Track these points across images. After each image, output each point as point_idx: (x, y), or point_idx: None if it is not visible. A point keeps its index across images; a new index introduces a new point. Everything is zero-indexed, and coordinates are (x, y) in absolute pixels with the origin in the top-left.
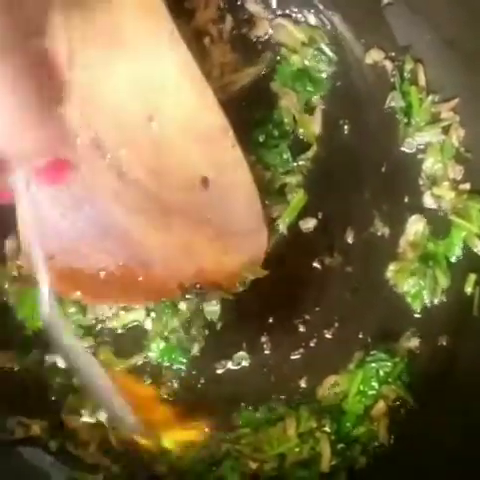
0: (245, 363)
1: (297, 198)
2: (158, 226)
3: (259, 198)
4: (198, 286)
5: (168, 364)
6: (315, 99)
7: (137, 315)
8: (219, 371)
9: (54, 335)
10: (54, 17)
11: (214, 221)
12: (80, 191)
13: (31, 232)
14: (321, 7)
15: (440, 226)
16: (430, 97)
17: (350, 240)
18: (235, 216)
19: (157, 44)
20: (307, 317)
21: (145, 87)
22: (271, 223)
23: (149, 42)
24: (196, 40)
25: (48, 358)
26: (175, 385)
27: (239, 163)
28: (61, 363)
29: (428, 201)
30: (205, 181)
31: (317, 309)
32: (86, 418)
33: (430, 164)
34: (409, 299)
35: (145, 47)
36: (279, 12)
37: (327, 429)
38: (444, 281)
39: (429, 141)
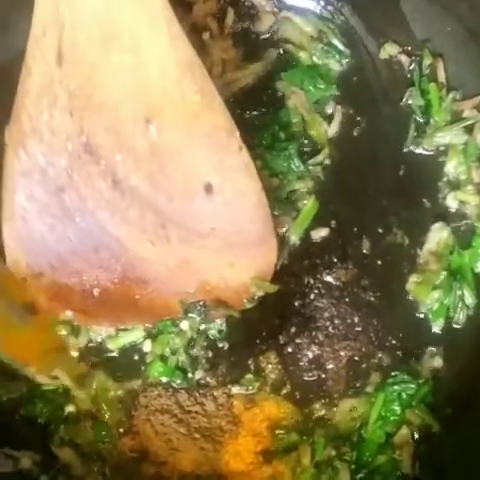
0: (254, 387)
1: (308, 206)
2: (155, 238)
3: (268, 206)
4: (201, 303)
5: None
6: (326, 98)
7: (134, 336)
8: (225, 396)
9: None
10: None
11: (218, 231)
12: (71, 201)
13: None
14: None
15: (464, 234)
16: (451, 94)
17: (366, 250)
18: (242, 226)
19: (156, 37)
20: (320, 335)
21: (142, 85)
22: (281, 233)
23: (147, 34)
24: (194, 35)
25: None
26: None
27: (246, 167)
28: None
29: (451, 207)
30: (209, 187)
31: (331, 327)
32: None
33: (452, 167)
34: (431, 315)
35: (142, 40)
36: (284, 4)
37: (346, 458)
38: (471, 296)
39: (450, 142)
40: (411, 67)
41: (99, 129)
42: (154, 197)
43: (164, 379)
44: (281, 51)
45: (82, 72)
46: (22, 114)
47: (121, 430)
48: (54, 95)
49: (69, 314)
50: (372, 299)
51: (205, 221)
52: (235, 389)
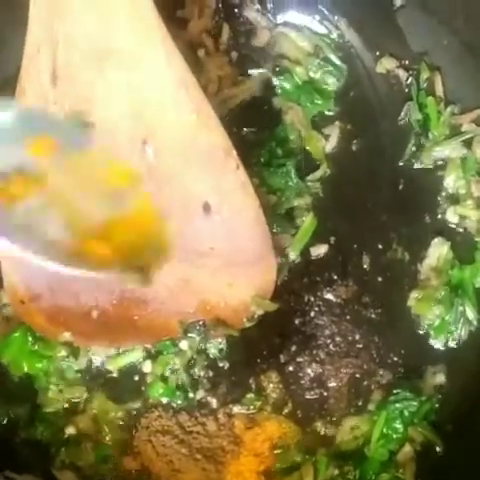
0: (255, 406)
1: (307, 223)
2: None
3: (267, 224)
4: (201, 323)
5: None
6: (323, 113)
7: (134, 357)
8: (227, 416)
9: None
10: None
11: (217, 251)
12: None
13: None
14: (326, 12)
15: (465, 249)
16: (449, 108)
17: (366, 267)
18: (241, 245)
19: (150, 55)
20: (321, 353)
21: (138, 105)
22: (280, 251)
23: (141, 52)
24: (190, 52)
25: (36, 406)
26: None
27: (244, 186)
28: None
29: (451, 222)
30: (207, 207)
31: (332, 345)
32: None
33: (451, 181)
34: (433, 331)
35: (137, 58)
36: (280, 20)
37: (349, 477)
38: (472, 312)
39: (449, 156)
40: (408, 81)
41: None
42: None
43: (165, 400)
44: (278, 67)
45: (77, 91)
46: None
47: (122, 452)
48: None
49: (67, 336)
50: (373, 316)
51: (204, 241)
52: (236, 409)
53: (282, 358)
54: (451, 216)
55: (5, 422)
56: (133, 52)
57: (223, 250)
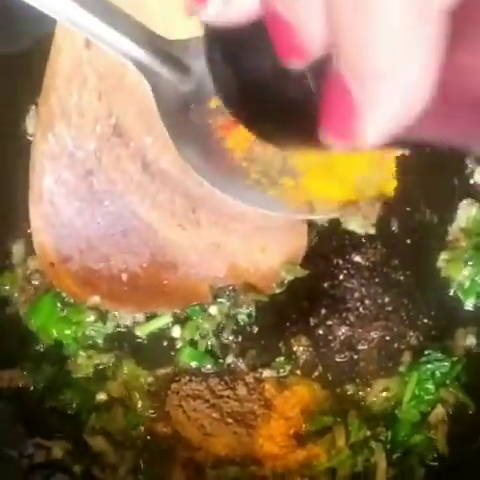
0: (285, 370)
1: None
2: (185, 222)
3: None
4: (231, 288)
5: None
6: None
7: (163, 322)
8: (257, 380)
9: None
10: None
11: (249, 215)
12: (100, 184)
13: None
14: None
15: None
16: None
17: (394, 229)
18: None
19: (181, 24)
20: (351, 316)
21: None
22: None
23: (173, 21)
24: None
25: (65, 372)
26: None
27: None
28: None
29: (479, 183)
30: None
31: (361, 307)
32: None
33: None
34: (463, 293)
35: (172, 17)
36: None
37: (381, 437)
38: None
39: None
40: None
41: (129, 111)
42: (184, 180)
43: (194, 364)
44: None
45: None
46: (51, 96)
47: (153, 417)
48: (84, 76)
49: (96, 299)
50: (402, 278)
51: (235, 204)
52: (266, 373)
53: (312, 321)
54: (479, 177)
55: (33, 389)
56: (165, 21)
57: (255, 214)
